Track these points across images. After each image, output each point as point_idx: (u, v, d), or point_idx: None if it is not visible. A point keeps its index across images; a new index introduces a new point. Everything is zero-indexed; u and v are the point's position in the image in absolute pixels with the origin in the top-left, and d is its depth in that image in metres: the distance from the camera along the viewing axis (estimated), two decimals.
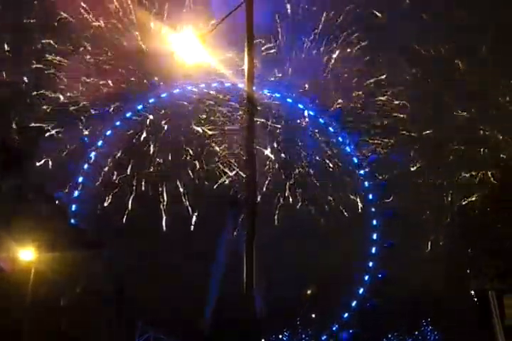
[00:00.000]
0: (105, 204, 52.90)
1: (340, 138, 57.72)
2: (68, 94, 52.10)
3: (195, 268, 50.93)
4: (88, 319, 45.44)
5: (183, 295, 48.03)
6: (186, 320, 50.14)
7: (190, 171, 54.53)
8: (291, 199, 55.99)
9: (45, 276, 36.34)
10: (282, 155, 56.24)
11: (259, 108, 47.22)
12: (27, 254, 32.29)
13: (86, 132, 53.67)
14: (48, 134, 49.27)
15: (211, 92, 56.22)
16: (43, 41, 50.72)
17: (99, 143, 54.82)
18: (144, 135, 54.85)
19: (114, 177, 53.61)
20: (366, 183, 57.34)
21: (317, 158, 56.92)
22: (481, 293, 39.68)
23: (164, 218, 53.42)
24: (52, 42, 51.09)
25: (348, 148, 57.47)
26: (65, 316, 40.86)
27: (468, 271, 44.09)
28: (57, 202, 49.85)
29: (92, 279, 45.10)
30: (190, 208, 53.75)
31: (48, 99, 51.41)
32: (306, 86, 56.27)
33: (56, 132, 51.21)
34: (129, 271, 49.71)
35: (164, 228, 53.02)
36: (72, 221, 50.77)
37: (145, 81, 55.16)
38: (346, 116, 57.04)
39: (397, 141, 55.58)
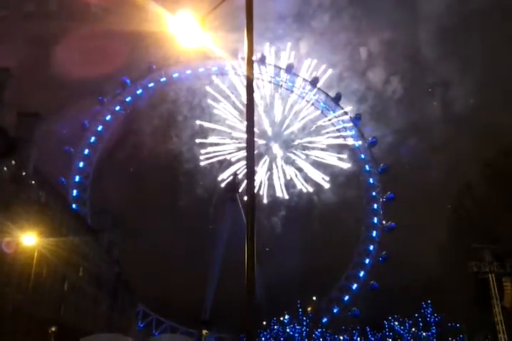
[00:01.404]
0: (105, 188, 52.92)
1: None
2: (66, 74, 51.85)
3: (195, 254, 51.22)
4: (89, 303, 45.77)
5: (184, 281, 48.33)
6: (187, 305, 50.52)
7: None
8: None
9: (47, 261, 36.46)
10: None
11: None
12: (29, 239, 32.29)
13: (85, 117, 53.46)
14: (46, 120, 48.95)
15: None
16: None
17: (99, 127, 54.61)
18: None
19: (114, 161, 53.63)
20: (367, 167, 57.34)
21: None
22: (480, 276, 39.92)
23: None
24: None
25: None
26: (66, 300, 41.10)
27: (468, 255, 44.22)
28: (57, 187, 49.70)
29: (93, 264, 45.28)
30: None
31: (46, 82, 51.24)
32: None
33: (55, 117, 51.06)
34: (129, 256, 49.94)
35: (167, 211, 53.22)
36: (73, 206, 50.71)
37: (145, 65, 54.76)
38: None
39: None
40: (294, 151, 56.87)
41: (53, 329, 28.69)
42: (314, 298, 54.78)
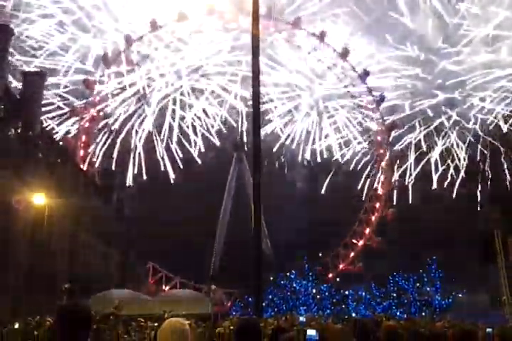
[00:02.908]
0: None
1: None
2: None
3: (204, 212, 51.79)
4: (100, 260, 46.84)
5: (193, 238, 49.14)
6: (196, 261, 51.54)
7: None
8: None
9: (58, 220, 37.12)
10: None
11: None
12: (39, 198, 32.82)
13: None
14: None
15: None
16: None
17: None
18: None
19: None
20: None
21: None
22: (486, 232, 40.52)
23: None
24: None
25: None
26: (77, 258, 42.10)
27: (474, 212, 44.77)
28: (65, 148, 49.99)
29: (102, 222, 46.07)
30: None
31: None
32: None
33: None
34: (139, 214, 50.68)
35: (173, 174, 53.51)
36: (82, 166, 51.07)
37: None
38: None
39: None
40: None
41: (66, 286, 29.49)
42: (320, 255, 55.72)
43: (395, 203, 55.88)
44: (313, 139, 56.29)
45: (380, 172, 56.49)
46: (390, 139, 56.56)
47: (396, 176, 56.01)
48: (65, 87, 51.69)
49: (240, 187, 57.82)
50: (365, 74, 56.03)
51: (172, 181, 53.43)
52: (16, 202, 33.26)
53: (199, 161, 53.79)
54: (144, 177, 52.66)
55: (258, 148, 9.95)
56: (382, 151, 56.92)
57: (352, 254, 56.02)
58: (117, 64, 53.63)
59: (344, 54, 56.13)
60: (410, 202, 54.35)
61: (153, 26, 53.80)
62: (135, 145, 53.24)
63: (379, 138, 57.24)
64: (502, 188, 51.76)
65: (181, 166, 53.09)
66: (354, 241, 56.59)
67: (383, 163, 56.39)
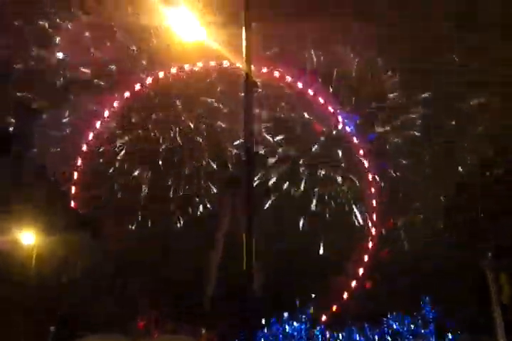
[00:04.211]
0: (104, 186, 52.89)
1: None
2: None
3: (194, 247, 51.18)
4: (87, 300, 45.82)
5: (184, 275, 48.38)
6: (187, 298, 50.58)
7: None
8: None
9: (46, 260, 36.52)
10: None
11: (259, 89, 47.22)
12: (28, 237, 32.40)
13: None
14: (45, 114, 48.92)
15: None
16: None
17: (97, 124, 54.22)
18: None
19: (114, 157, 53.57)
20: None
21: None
22: (478, 271, 40.12)
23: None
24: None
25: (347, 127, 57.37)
26: (65, 296, 41.19)
27: (465, 250, 44.47)
28: (56, 184, 49.77)
29: (91, 259, 45.29)
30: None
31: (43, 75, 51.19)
32: None
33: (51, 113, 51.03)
34: (128, 251, 49.96)
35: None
36: (72, 203, 50.73)
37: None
38: None
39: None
40: None
41: (52, 328, 28.78)
42: (313, 296, 54.88)
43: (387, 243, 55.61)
44: None
45: (373, 211, 56.41)
46: None
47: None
48: None
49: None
50: None
51: None
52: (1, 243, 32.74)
53: None
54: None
55: (250, 183, 9.92)
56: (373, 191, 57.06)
57: (345, 295, 55.23)
58: None
59: None
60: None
61: None
62: None
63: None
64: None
65: None
66: (347, 281, 55.90)
67: (374, 202, 56.42)
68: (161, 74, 54.45)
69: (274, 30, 48.06)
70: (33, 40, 50.42)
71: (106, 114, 54.44)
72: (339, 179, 56.79)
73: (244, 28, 11.93)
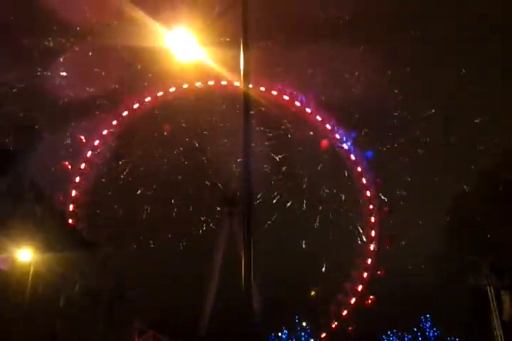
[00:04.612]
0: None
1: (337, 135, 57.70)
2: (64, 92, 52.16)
3: (192, 269, 50.85)
4: (84, 319, 45.29)
5: (181, 297, 47.97)
6: (184, 320, 50.07)
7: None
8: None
9: (43, 277, 36.19)
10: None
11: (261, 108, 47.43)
12: (25, 255, 32.15)
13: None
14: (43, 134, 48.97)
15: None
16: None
17: (96, 142, 54.45)
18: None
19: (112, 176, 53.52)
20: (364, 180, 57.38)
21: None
22: (478, 289, 39.79)
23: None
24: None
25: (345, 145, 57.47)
26: (61, 316, 40.72)
27: (466, 268, 44.22)
28: (54, 202, 49.53)
29: (89, 279, 44.90)
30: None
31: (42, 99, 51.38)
32: None
33: (51, 132, 51.14)
34: (126, 271, 49.59)
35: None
36: (70, 221, 50.48)
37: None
38: None
39: None
40: None
41: None
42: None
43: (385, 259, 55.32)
44: None
45: (371, 228, 56.24)
46: None
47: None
48: None
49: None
50: None
51: None
52: (1, 262, 32.43)
53: None
54: None
55: (249, 203, 9.83)
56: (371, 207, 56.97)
57: (345, 312, 54.72)
58: None
59: None
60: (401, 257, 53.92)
61: None
62: None
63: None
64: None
65: None
66: (346, 298, 55.44)
67: (373, 219, 56.30)
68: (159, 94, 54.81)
69: (273, 50, 48.55)
70: (37, 60, 50.86)
71: (105, 132, 54.65)
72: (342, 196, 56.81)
73: (242, 49, 11.98)
